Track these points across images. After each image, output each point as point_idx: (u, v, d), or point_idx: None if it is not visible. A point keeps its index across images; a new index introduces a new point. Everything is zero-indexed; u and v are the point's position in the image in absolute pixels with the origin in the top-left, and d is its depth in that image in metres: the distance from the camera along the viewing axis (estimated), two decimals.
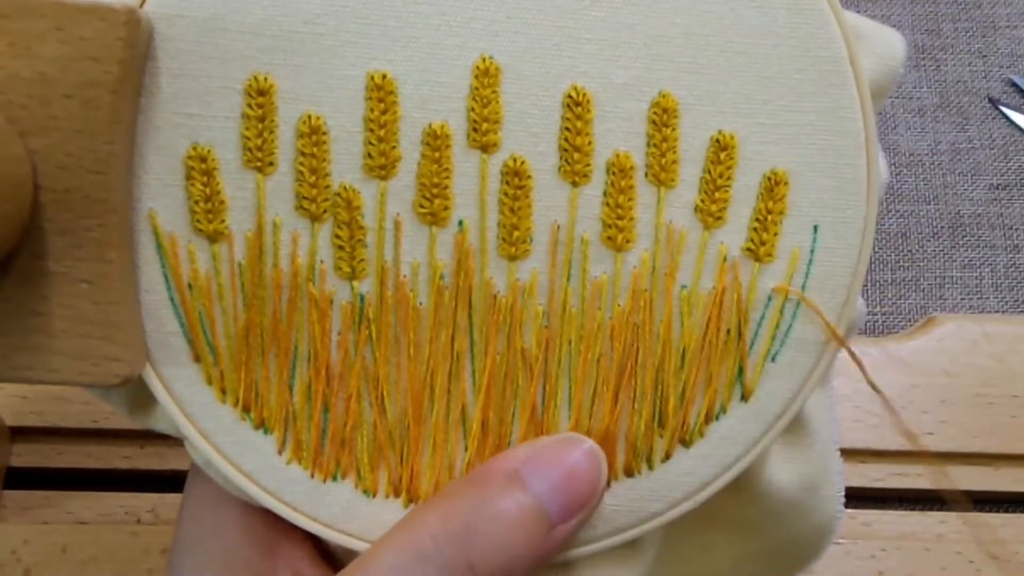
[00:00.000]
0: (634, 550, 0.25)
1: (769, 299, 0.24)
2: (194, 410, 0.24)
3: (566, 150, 0.23)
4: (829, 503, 0.27)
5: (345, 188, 0.23)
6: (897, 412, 0.24)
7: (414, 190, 0.23)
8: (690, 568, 0.28)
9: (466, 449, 0.24)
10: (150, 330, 0.24)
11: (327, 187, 0.23)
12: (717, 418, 0.24)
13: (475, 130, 0.23)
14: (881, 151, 0.24)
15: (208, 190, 0.23)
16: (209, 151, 0.23)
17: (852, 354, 0.24)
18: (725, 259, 0.24)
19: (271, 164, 0.23)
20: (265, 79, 0.23)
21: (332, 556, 0.26)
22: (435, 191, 0.23)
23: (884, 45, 0.25)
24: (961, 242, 0.48)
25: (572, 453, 0.23)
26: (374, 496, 0.24)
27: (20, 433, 0.41)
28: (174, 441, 0.25)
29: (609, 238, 0.24)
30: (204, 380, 0.24)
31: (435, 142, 0.23)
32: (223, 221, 0.23)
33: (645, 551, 0.26)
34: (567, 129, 0.23)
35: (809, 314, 0.24)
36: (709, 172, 0.24)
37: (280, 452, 0.24)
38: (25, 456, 0.41)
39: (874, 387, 0.24)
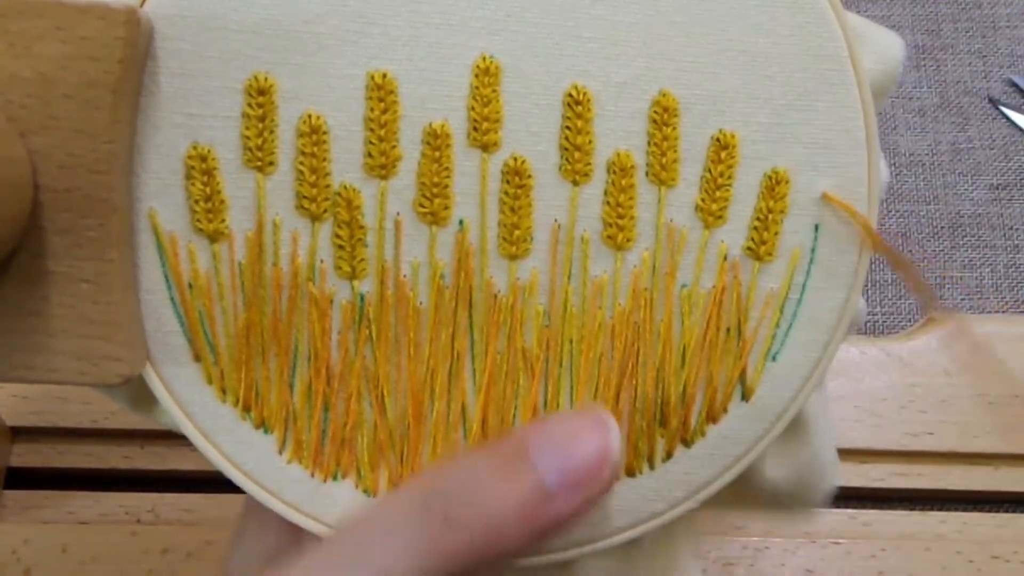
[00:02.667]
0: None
1: (769, 298, 0.24)
2: (194, 409, 0.24)
3: (567, 149, 0.23)
4: (817, 493, 0.27)
5: (345, 187, 0.23)
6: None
7: (414, 189, 0.23)
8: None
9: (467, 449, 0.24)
10: (150, 329, 0.24)
11: (327, 186, 0.23)
12: (718, 418, 0.24)
13: (475, 129, 0.23)
14: (880, 151, 0.24)
15: (208, 189, 0.23)
16: (209, 150, 0.23)
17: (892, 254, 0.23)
18: (725, 258, 0.24)
19: (271, 163, 0.23)
20: (265, 78, 0.23)
21: None
22: (435, 190, 0.23)
23: (883, 45, 0.25)
24: (961, 242, 0.48)
25: (580, 421, 0.22)
26: (374, 496, 0.24)
27: (20, 433, 0.41)
28: (174, 441, 0.25)
29: (609, 237, 0.24)
30: (204, 379, 0.24)
31: (435, 141, 0.23)
32: (223, 220, 0.23)
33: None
34: (568, 128, 0.23)
35: (810, 314, 0.24)
36: (710, 171, 0.24)
37: (280, 452, 0.24)
38: (25, 456, 0.41)
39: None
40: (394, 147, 0.23)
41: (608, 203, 0.24)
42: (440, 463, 0.24)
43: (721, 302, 0.24)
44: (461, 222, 0.24)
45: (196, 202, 0.23)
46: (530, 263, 0.24)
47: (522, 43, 0.23)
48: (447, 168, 0.23)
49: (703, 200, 0.24)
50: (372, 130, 0.23)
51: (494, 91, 0.23)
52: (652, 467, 0.24)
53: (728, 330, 0.24)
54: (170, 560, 0.39)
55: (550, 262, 0.24)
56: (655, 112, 0.23)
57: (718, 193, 0.24)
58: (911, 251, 0.48)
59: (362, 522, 0.23)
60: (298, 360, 0.24)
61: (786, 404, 0.24)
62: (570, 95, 0.23)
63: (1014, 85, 0.51)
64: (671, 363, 0.24)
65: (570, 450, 0.22)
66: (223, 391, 0.24)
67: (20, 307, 0.22)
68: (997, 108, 0.51)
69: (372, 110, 0.23)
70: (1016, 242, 0.48)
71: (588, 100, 0.23)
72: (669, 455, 0.24)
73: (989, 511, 0.42)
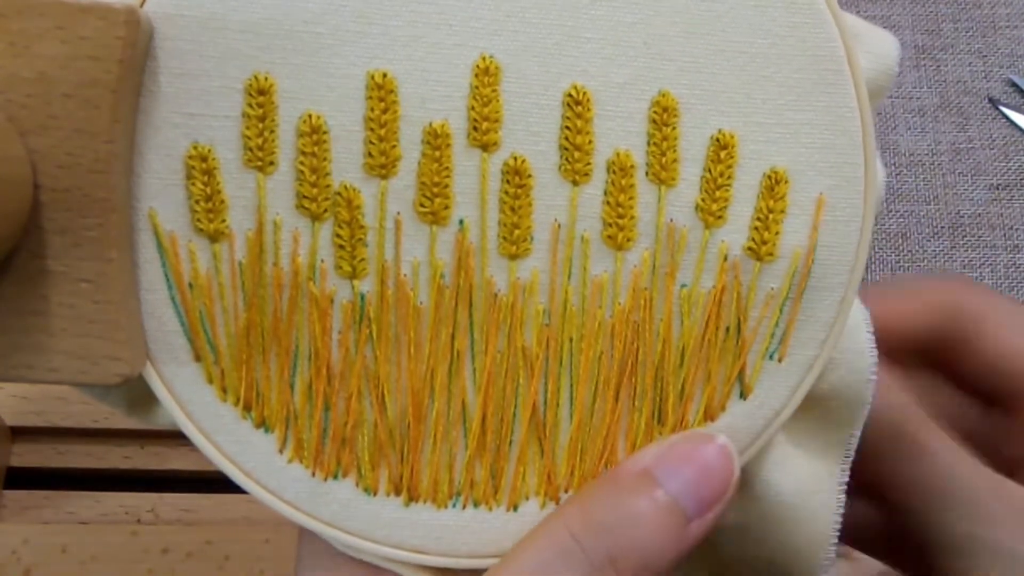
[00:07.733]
0: None
1: (769, 298, 0.24)
2: (194, 409, 0.24)
3: (567, 149, 0.23)
4: (822, 514, 0.26)
5: (346, 187, 0.23)
6: None
7: (414, 189, 0.24)
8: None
9: (466, 448, 0.24)
10: (151, 329, 0.24)
11: (327, 186, 0.23)
12: (715, 416, 0.24)
13: (475, 129, 0.23)
14: (877, 152, 0.24)
15: (208, 189, 0.23)
16: (209, 150, 0.23)
17: None
18: (726, 258, 0.24)
19: (272, 163, 0.23)
20: (265, 78, 0.23)
21: None
22: (435, 190, 0.23)
23: (879, 45, 0.25)
24: (961, 242, 0.48)
25: (704, 449, 0.24)
26: (375, 494, 0.24)
27: (20, 433, 0.41)
28: (174, 441, 0.25)
29: (610, 237, 0.24)
30: (205, 379, 0.24)
31: (435, 141, 0.23)
32: (224, 220, 0.23)
33: None
34: (567, 128, 0.23)
35: (808, 312, 0.24)
36: (710, 171, 0.24)
37: (281, 451, 0.24)
38: (25, 456, 0.41)
39: None
40: (394, 147, 0.23)
41: (608, 203, 0.24)
42: (568, 502, 0.24)
43: (721, 302, 0.24)
44: (461, 222, 0.24)
45: (196, 202, 0.23)
46: (530, 262, 0.24)
47: (522, 43, 0.23)
48: (447, 168, 0.23)
49: (703, 200, 0.24)
50: (372, 130, 0.23)
51: (494, 91, 0.23)
52: None
53: (727, 329, 0.24)
54: (170, 560, 0.39)
55: (550, 261, 0.24)
56: (655, 112, 0.23)
57: (718, 193, 0.24)
58: (911, 251, 0.48)
59: (514, 568, 0.23)
60: (299, 359, 0.24)
61: (783, 402, 0.24)
62: (570, 95, 0.23)
63: (1014, 85, 0.51)
64: (670, 362, 0.24)
65: (698, 472, 0.23)
66: (224, 390, 0.24)
67: (20, 307, 0.22)
68: (997, 108, 0.51)
69: (372, 110, 0.23)
70: (1016, 242, 0.48)
71: (588, 100, 0.23)
72: None
73: None
